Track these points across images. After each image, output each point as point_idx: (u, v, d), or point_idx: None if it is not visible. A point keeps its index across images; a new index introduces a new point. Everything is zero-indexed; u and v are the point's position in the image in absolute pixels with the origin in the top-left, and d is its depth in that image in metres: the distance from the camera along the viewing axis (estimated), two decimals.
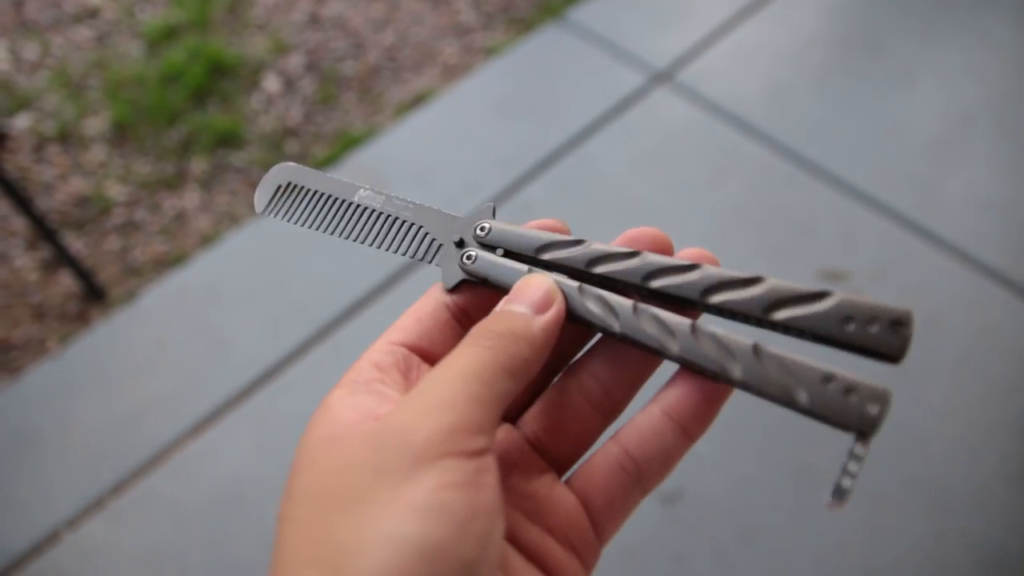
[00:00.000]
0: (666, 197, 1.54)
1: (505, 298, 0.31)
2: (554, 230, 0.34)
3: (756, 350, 0.28)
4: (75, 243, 1.59)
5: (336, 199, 0.37)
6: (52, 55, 1.93)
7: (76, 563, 1.17)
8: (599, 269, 0.32)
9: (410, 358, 0.31)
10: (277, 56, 1.91)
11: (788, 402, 0.28)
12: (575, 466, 0.32)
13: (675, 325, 0.30)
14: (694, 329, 0.29)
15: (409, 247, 0.36)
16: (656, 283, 0.31)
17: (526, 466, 0.31)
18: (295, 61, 1.90)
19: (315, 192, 0.38)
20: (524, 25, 1.92)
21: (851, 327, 0.28)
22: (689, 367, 0.30)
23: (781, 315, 0.29)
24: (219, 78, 1.86)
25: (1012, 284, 1.36)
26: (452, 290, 0.33)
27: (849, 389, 0.27)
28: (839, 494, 0.27)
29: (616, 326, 0.30)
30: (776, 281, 0.29)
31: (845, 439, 0.28)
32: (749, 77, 1.72)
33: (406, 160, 1.64)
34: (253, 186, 1.67)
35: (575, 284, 0.32)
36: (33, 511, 1.22)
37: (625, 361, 0.32)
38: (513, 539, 0.29)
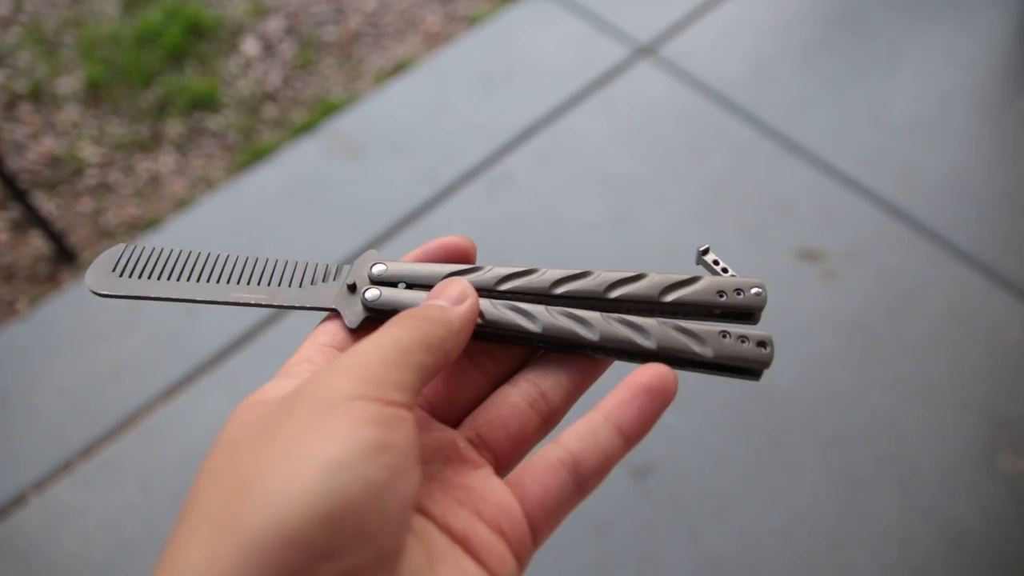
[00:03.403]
0: (646, 171, 1.53)
1: (426, 297, 0.33)
2: (459, 247, 0.37)
3: (661, 323, 0.33)
4: (46, 204, 1.56)
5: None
6: (25, 11, 1.89)
7: (42, 526, 1.16)
8: (506, 286, 0.35)
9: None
10: (256, 19, 1.87)
11: (695, 360, 0.33)
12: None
13: (587, 316, 0.33)
14: (605, 317, 0.33)
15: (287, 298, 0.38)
16: (561, 289, 0.35)
17: (462, 461, 0.32)
18: (275, 24, 1.87)
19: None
20: None
21: (724, 298, 0.34)
22: (606, 352, 0.33)
23: (670, 297, 0.34)
24: (196, 39, 1.82)
25: (987, 269, 1.37)
26: (356, 330, 0.35)
27: (742, 338, 0.33)
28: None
29: (535, 327, 0.33)
30: (657, 274, 0.35)
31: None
32: (732, 53, 1.71)
33: (385, 128, 1.62)
34: (229, 150, 1.65)
35: (487, 301, 0.34)
36: None
37: (561, 369, 0.35)
38: (441, 523, 0.29)
